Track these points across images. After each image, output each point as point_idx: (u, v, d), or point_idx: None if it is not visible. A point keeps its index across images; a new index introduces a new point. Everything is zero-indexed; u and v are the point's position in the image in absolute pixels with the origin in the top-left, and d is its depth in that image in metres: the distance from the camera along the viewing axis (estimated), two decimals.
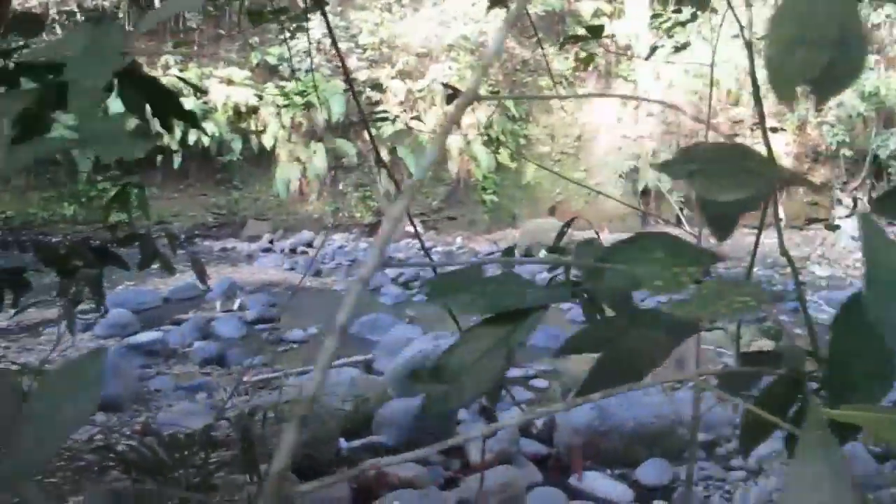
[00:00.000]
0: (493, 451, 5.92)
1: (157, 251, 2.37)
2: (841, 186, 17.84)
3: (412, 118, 16.79)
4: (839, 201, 17.56)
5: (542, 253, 13.37)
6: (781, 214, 13.29)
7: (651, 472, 5.93)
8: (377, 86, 17.58)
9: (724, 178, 0.74)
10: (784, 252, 2.71)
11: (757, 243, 2.82)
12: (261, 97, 16.79)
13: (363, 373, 7.20)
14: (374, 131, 16.51)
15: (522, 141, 18.77)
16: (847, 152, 17.00)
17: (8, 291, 2.10)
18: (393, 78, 17.83)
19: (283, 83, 17.16)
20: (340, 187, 17.63)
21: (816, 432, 0.50)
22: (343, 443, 5.84)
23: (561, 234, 2.93)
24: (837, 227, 14.27)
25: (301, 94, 16.87)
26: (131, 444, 2.27)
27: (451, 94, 2.66)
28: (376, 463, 0.74)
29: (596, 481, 5.80)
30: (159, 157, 15.98)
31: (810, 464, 0.48)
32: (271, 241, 16.42)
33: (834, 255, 15.69)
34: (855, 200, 17.29)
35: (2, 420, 0.51)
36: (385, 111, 16.94)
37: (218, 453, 2.14)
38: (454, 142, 17.31)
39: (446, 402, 0.89)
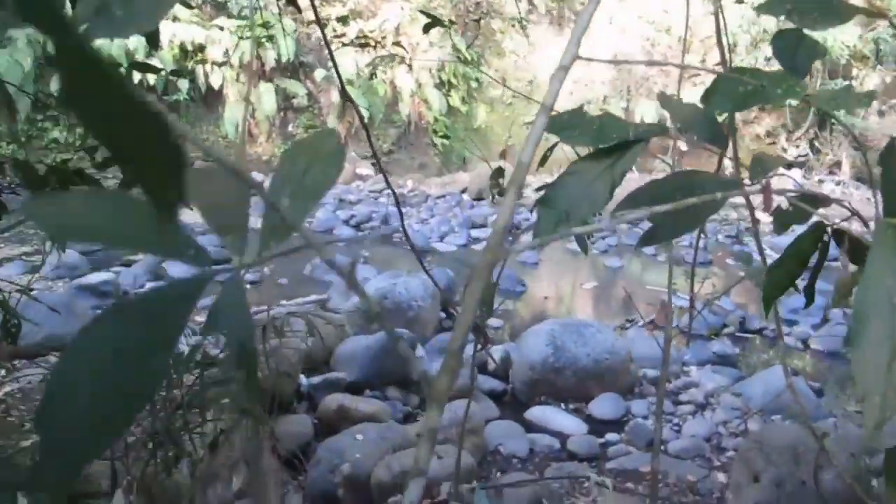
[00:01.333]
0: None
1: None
2: (786, 136, 18.19)
3: (394, 44, 16.54)
4: (784, 150, 17.91)
5: (494, 196, 13.36)
6: (728, 162, 13.60)
7: (604, 406, 6.12)
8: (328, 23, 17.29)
9: (814, 13, 0.93)
10: (741, 187, 2.80)
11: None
12: (208, 35, 16.41)
13: (320, 311, 7.20)
14: (326, 71, 16.28)
15: (474, 84, 18.71)
16: (792, 102, 17.25)
17: None
18: (343, 18, 17.55)
19: (231, 21, 16.78)
20: (290, 128, 17.42)
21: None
22: (303, 379, 5.89)
23: (498, 173, 2.98)
24: (800, 163, 14.62)
25: (250, 32, 16.53)
26: None
27: (429, 23, 2.66)
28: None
29: (552, 415, 5.96)
30: None
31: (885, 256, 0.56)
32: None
33: (777, 201, 16.06)
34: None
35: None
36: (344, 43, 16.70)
37: (209, 373, 2.17)
38: (406, 84, 17.19)
39: (562, 222, 0.96)
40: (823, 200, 1.12)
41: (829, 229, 1.20)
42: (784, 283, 1.22)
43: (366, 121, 17.06)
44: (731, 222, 14.00)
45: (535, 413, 6.01)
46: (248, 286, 9.33)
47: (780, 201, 1.34)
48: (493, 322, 8.15)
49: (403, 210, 13.82)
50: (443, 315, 7.96)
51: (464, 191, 15.45)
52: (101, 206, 0.56)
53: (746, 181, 1.34)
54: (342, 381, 5.91)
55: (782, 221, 1.35)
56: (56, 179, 1.93)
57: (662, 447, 5.64)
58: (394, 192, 2.92)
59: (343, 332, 6.69)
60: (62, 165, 2.01)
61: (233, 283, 0.62)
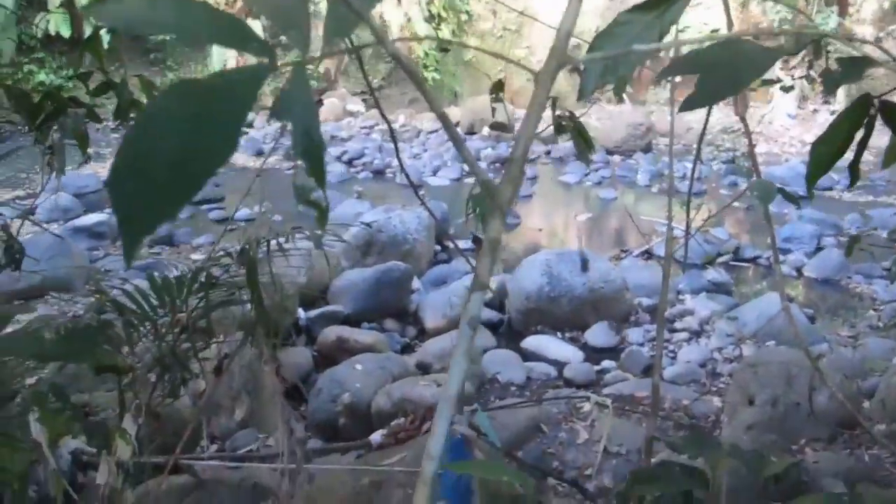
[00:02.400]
0: (447, 317, 6.08)
1: (135, 100, 2.32)
2: (782, 64, 18.01)
3: None
4: (779, 79, 17.74)
5: (485, 130, 13.32)
6: None
7: (600, 334, 6.18)
8: None
9: None
10: (741, 117, 2.76)
11: (708, 116, 2.88)
12: None
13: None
14: (314, 5, 15.99)
15: (464, 17, 18.42)
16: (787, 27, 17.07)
17: None
18: None
19: None
20: (280, 63, 17.15)
21: None
22: (301, 313, 5.92)
23: (498, 87, 2.93)
24: (791, 87, 14.48)
25: None
26: (122, 289, 2.28)
27: None
28: None
29: (548, 344, 6.02)
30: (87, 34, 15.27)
31: None
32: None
33: (770, 132, 16.00)
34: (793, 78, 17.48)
35: None
36: None
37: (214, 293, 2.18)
38: (395, 18, 16.92)
39: (609, 72, 0.97)
40: (871, 62, 1.11)
41: (876, 101, 1.19)
42: (829, 160, 1.22)
43: (354, 56, 16.86)
44: (727, 149, 13.99)
45: (532, 342, 6.07)
46: (242, 223, 9.32)
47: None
48: None
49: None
50: (437, 248, 7.98)
51: (456, 125, 15.30)
52: (164, 5, 0.58)
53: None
54: (340, 314, 5.95)
55: (830, 82, 1.35)
56: (51, 105, 1.91)
57: None
58: (390, 126, 2.90)
59: (338, 267, 6.70)
60: (56, 91, 1.98)
61: (299, 74, 0.64)
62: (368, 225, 6.76)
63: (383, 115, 2.86)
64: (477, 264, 0.68)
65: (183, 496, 2.71)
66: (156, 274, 2.23)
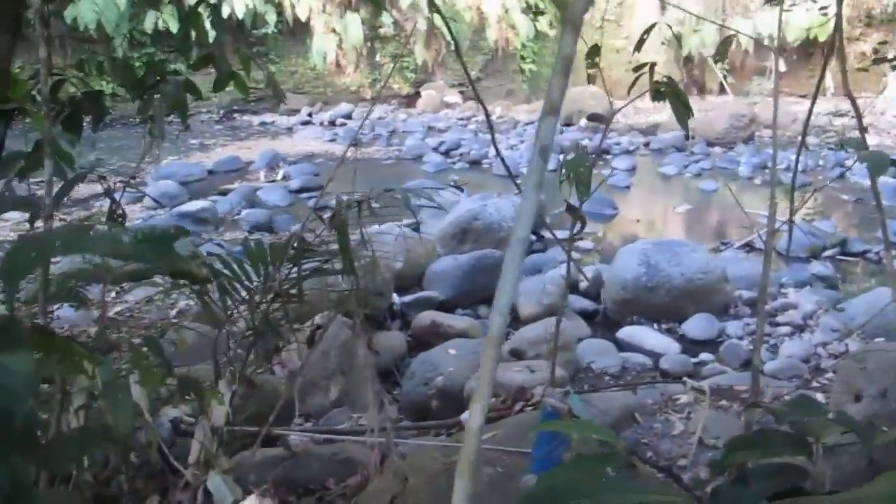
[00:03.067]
0: (542, 304, 6.03)
1: (234, 72, 2.37)
2: (894, 53, 17.23)
3: None
4: (894, 68, 16.96)
5: (583, 121, 13.17)
6: (829, 83, 12.75)
7: (698, 326, 6.03)
8: None
9: None
10: (848, 94, 2.62)
11: (812, 104, 2.76)
12: None
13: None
14: None
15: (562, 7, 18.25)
16: None
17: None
18: None
19: None
20: (377, 58, 17.38)
21: None
22: (396, 298, 5.98)
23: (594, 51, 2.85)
24: None
25: None
26: (217, 254, 2.34)
27: None
28: None
29: (644, 334, 5.91)
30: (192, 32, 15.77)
31: None
32: (310, 115, 16.37)
33: (882, 123, 15.33)
34: None
35: None
36: None
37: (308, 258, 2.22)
38: (492, 9, 16.89)
39: None
40: None
41: None
42: None
43: (452, 48, 16.91)
44: (834, 133, 13.47)
45: (627, 332, 5.96)
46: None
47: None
48: (584, 244, 8.08)
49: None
50: (533, 237, 7.93)
51: None
52: None
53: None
54: (434, 300, 5.98)
55: None
56: (153, 77, 1.97)
57: None
58: (487, 115, 2.89)
59: (433, 253, 6.74)
60: (160, 64, 2.05)
61: None
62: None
63: (481, 103, 2.85)
64: (549, 85, 0.67)
65: (274, 467, 2.77)
66: (251, 240, 2.28)
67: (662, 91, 1.94)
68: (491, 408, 3.10)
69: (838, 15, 2.58)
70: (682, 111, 1.86)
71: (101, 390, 2.26)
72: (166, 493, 2.67)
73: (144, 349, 1.90)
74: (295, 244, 2.20)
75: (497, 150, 3.04)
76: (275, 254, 2.17)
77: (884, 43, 17.08)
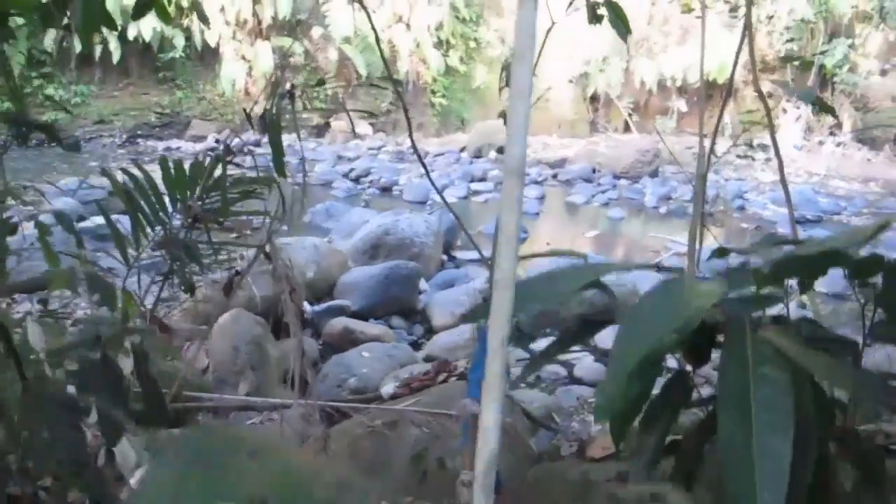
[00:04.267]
0: (455, 315, 5.98)
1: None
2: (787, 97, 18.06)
3: None
4: (784, 111, 17.77)
5: (493, 153, 13.28)
6: (728, 119, 13.23)
7: (610, 336, 6.03)
8: None
9: None
10: (758, 91, 2.73)
11: (712, 146, 2.89)
12: None
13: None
14: (323, 29, 16.08)
15: (472, 44, 18.53)
16: (795, 62, 17.15)
17: None
18: None
19: None
20: (287, 87, 17.19)
21: None
22: (308, 306, 5.82)
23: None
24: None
25: None
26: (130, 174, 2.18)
27: None
28: None
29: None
30: (98, 51, 15.39)
31: None
32: (217, 141, 16.05)
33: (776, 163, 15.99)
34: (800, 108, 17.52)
35: None
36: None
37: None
38: (404, 42, 17.00)
39: None
40: None
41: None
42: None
43: (363, 78, 16.92)
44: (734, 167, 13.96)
45: (542, 345, 5.93)
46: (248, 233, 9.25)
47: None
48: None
49: (402, 166, 13.74)
50: (445, 258, 7.90)
51: (462, 149, 15.35)
52: None
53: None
54: (347, 309, 5.84)
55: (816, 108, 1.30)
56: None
57: None
58: (412, 138, 2.85)
59: (346, 265, 6.61)
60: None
61: None
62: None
63: (409, 128, 2.79)
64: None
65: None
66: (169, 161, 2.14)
67: (598, 12, 1.91)
68: (411, 379, 3.02)
69: (737, 53, 2.71)
70: (620, 23, 1.84)
71: None
72: (61, 478, 2.47)
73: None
74: (216, 165, 2.08)
75: (425, 167, 2.99)
76: (195, 173, 2.04)
77: (774, 92, 17.89)
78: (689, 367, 1.34)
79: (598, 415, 1.22)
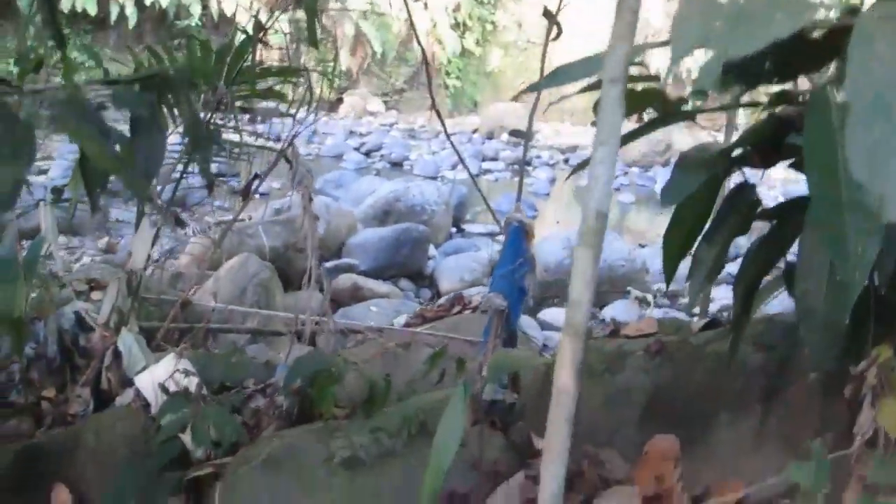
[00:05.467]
0: (463, 280, 5.94)
1: None
2: None
3: None
4: None
5: (504, 136, 13.23)
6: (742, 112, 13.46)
7: (618, 311, 6.01)
8: None
9: None
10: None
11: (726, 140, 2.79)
12: None
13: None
14: (340, 3, 16.02)
15: (489, 27, 18.42)
16: None
17: None
18: None
19: None
20: (303, 60, 17.14)
21: None
22: (313, 264, 5.77)
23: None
24: None
25: None
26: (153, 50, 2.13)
27: None
28: None
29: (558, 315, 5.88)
30: (114, 15, 15.38)
31: None
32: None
33: None
34: None
35: None
36: None
37: None
38: (421, 22, 16.91)
39: None
40: None
41: None
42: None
43: (378, 57, 16.85)
44: None
45: (549, 314, 5.91)
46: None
47: None
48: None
49: (413, 143, 13.67)
50: (454, 230, 7.86)
51: (474, 131, 15.28)
52: None
53: None
54: (355, 268, 5.80)
55: None
56: None
57: None
58: (435, 107, 2.80)
59: (355, 227, 6.57)
60: None
61: None
62: None
63: (431, 89, 2.73)
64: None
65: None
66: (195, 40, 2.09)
67: None
68: (425, 310, 2.98)
69: None
70: None
71: None
72: (64, 388, 2.44)
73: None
74: (247, 46, 2.03)
75: (444, 125, 2.93)
76: (223, 55, 1.99)
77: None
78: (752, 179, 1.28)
79: (664, 198, 1.17)
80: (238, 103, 2.16)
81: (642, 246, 7.99)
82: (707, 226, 1.24)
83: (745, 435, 1.40)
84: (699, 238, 1.25)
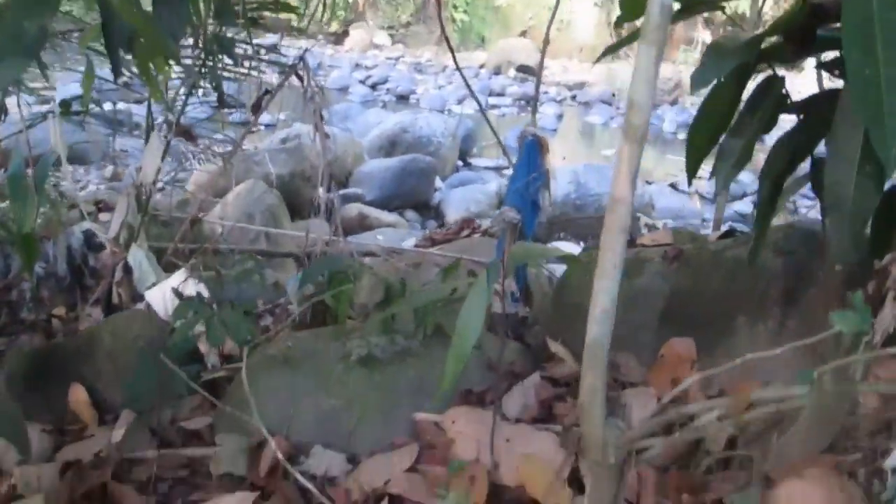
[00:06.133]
0: (469, 212, 5.92)
1: None
2: None
3: None
4: None
5: (512, 71, 13.07)
6: None
7: None
8: None
9: None
10: None
11: None
12: None
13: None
14: None
15: None
16: None
17: None
18: None
19: None
20: None
21: None
22: (321, 191, 5.75)
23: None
24: None
25: None
26: None
27: None
28: None
29: (569, 250, 5.86)
30: None
31: None
32: None
33: None
34: None
35: None
36: None
37: None
38: None
39: None
40: None
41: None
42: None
43: None
44: None
45: (555, 247, 5.91)
46: (262, 128, 9.15)
47: None
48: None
49: (419, 77, 13.52)
50: (460, 163, 7.82)
51: (481, 66, 15.10)
52: None
53: None
54: (361, 198, 5.79)
55: None
56: None
57: None
58: (447, 37, 2.72)
59: (361, 158, 6.53)
60: None
61: None
62: None
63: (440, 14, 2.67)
64: None
65: None
66: None
67: None
68: (434, 233, 2.97)
69: None
70: None
71: (7, 184, 2.03)
72: (74, 307, 2.45)
73: None
74: None
75: (458, 68, 2.86)
76: None
77: None
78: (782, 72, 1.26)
79: (694, 84, 1.15)
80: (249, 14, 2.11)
81: (649, 183, 7.96)
82: (734, 119, 1.22)
83: (762, 338, 1.40)
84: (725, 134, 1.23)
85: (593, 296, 0.71)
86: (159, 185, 2.83)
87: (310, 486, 1.21)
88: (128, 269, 2.16)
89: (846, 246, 1.04)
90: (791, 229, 1.49)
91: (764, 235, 1.29)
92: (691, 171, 1.30)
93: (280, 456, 1.25)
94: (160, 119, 2.44)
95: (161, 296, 2.05)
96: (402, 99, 11.82)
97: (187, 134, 2.40)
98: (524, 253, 1.35)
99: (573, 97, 13.27)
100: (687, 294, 1.51)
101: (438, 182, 6.55)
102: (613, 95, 13.41)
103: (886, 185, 1.09)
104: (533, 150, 1.88)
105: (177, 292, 1.76)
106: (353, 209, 5.33)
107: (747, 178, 8.59)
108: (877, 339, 1.14)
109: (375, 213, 5.33)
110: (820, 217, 1.24)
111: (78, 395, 1.60)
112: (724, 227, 2.66)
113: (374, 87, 12.27)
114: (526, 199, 1.83)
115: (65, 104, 2.56)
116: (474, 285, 1.05)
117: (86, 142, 7.18)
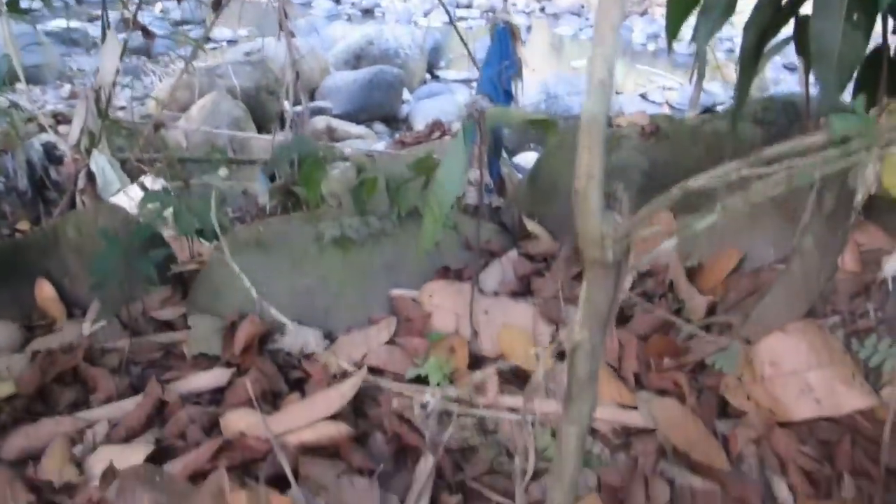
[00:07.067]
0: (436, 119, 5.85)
1: None
2: None
3: None
4: None
5: None
6: None
7: None
8: None
9: None
10: None
11: None
12: None
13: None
14: None
15: None
16: None
17: None
18: None
19: None
20: None
21: None
22: (287, 105, 5.64)
23: None
24: None
25: None
26: None
27: None
28: None
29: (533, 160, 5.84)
30: None
31: None
32: None
33: None
34: None
35: None
36: None
37: None
38: None
39: None
40: None
41: None
42: None
43: None
44: None
45: (525, 157, 5.86)
46: (223, 44, 8.90)
47: None
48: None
49: None
50: (428, 76, 7.69)
51: None
52: None
53: None
54: (328, 111, 5.68)
55: None
56: None
57: None
58: None
59: (327, 71, 6.40)
60: None
61: None
62: None
63: None
64: None
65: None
66: None
67: None
68: (404, 136, 2.92)
69: None
70: None
71: None
72: (38, 221, 2.39)
73: None
74: None
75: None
76: None
77: None
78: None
79: None
80: None
81: (618, 93, 7.90)
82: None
83: (742, 208, 1.39)
84: None
85: (588, 64, 0.67)
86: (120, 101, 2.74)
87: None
88: (91, 177, 2.09)
89: (832, 96, 1.01)
90: (770, 101, 1.47)
91: (747, 91, 1.26)
92: (671, 35, 1.26)
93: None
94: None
95: (127, 203, 1.99)
96: (367, 13, 11.55)
97: (145, 31, 2.30)
98: (501, 115, 1.32)
99: (542, 9, 13.04)
100: (666, 167, 1.49)
101: (406, 94, 6.44)
102: (582, 7, 13.20)
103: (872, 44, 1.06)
104: (505, 37, 1.83)
105: (142, 186, 1.71)
106: (321, 122, 5.24)
107: (719, 89, 8.55)
108: (858, 198, 1.12)
109: (344, 126, 5.24)
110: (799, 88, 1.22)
111: (44, 291, 1.56)
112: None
113: (337, 1, 11.96)
114: (498, 87, 1.79)
115: (12, 2, 2.44)
116: (453, 140, 1.02)
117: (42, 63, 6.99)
